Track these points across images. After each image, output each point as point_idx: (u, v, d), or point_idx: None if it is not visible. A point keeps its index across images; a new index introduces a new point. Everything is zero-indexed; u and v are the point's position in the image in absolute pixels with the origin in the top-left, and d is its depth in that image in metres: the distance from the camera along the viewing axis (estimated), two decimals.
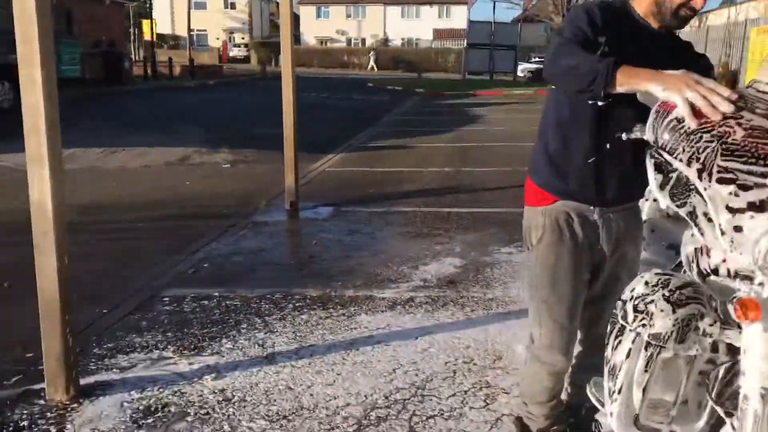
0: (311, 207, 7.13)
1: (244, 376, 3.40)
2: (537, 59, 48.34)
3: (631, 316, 1.97)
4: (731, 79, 17.45)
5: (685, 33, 20.69)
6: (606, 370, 2.08)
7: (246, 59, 56.53)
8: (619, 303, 2.06)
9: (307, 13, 66.63)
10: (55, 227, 3.04)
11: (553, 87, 2.49)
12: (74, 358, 3.23)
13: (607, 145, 2.29)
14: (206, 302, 4.43)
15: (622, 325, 2.02)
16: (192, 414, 3.06)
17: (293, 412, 3.06)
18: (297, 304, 4.37)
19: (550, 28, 58.80)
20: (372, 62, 54.08)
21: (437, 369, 3.46)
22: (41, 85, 2.94)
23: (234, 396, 3.21)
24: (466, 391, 3.23)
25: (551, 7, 31.07)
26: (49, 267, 3.07)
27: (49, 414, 3.05)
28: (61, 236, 3.07)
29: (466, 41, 45.85)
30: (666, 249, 2.84)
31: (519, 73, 39.07)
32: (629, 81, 1.98)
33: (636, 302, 1.98)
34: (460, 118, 17.53)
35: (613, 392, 2.02)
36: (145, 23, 37.52)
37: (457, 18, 62.58)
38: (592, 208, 2.40)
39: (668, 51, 2.27)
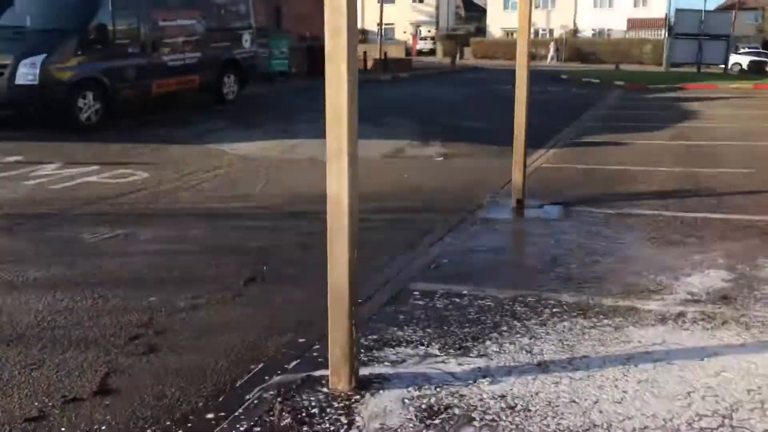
0: (537, 205, 6.86)
1: (521, 384, 3.25)
2: (748, 50, 44.18)
3: None
4: None
5: None
6: None
7: (431, 52, 57.03)
8: None
9: (494, 4, 65.92)
10: (350, 220, 3.07)
11: None
12: (357, 349, 3.26)
13: None
14: (457, 300, 4.34)
15: None
16: (478, 419, 2.95)
17: (586, 430, 2.86)
18: (554, 310, 4.15)
19: (761, 16, 53.54)
20: (552, 54, 51.05)
21: (740, 397, 3.08)
22: (346, 79, 2.95)
23: (516, 404, 3.06)
24: None
25: None
26: (342, 258, 3.11)
27: (335, 404, 3.09)
28: (354, 229, 3.09)
29: (666, 31, 42.85)
30: None
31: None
32: None
33: None
34: (673, 113, 16.30)
35: None
36: None
37: (655, 6, 58.72)
38: None
39: None
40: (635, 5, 60.35)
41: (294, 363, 3.51)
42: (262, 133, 11.56)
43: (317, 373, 3.37)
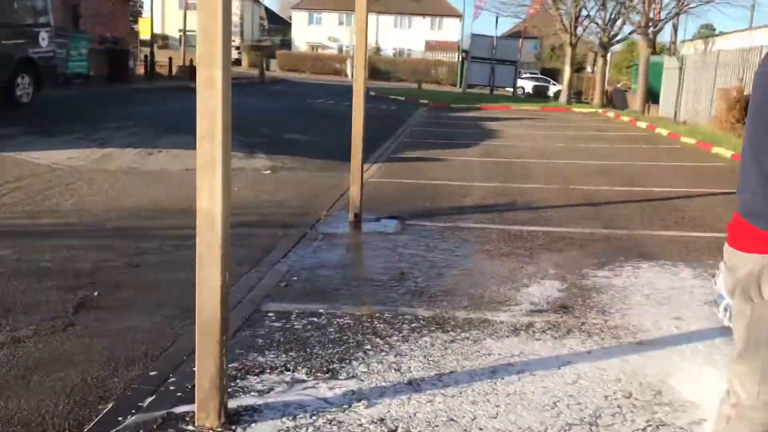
0: (373, 219, 6.93)
1: (397, 405, 3.19)
2: (530, 75, 48.69)
3: None
4: (745, 105, 17.58)
5: (692, 56, 20.84)
6: None
7: (237, 62, 56.19)
8: None
9: (299, 18, 66.49)
10: (223, 239, 2.82)
11: None
12: (226, 381, 3.00)
13: None
14: (315, 319, 4.21)
15: None
16: None
17: None
18: (413, 325, 4.16)
19: (539, 45, 59.35)
20: (350, 70, 53.19)
21: (600, 404, 3.28)
22: (221, 87, 2.72)
23: (397, 427, 2.99)
24: (643, 429, 3.06)
25: (559, 25, 31.07)
26: (213, 282, 2.85)
27: None
28: (227, 249, 2.86)
29: (462, 54, 45.88)
30: None
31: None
32: None
33: None
34: (478, 131, 17.44)
35: None
36: (142, 21, 37.02)
37: (449, 30, 62.90)
38: None
39: None
40: (432, 28, 64.16)
41: (149, 400, 3.16)
42: (67, 141, 10.52)
43: (179, 409, 3.06)
